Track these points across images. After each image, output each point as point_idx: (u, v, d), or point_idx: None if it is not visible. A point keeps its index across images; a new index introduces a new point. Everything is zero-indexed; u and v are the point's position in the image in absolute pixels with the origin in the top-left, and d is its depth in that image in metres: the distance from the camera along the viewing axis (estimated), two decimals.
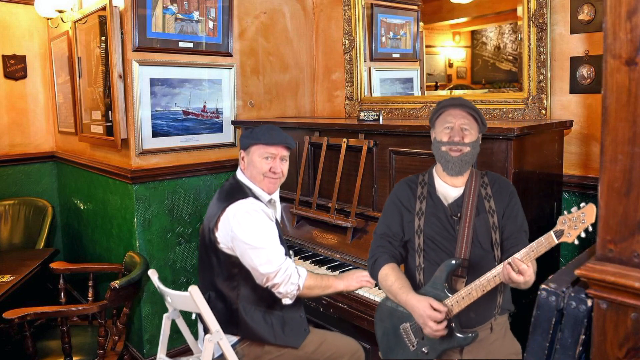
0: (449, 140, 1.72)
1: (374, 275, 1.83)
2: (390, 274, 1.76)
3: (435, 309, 1.60)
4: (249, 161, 2.07)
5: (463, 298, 1.59)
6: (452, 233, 1.74)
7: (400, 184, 1.89)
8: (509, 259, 1.49)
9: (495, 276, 1.54)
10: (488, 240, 1.72)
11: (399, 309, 1.77)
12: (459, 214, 1.73)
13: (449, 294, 1.64)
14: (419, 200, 1.80)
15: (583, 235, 1.33)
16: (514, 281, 1.49)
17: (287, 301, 1.95)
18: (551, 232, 1.39)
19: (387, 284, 1.76)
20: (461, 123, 1.72)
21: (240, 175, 2.11)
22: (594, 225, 1.58)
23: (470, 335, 1.62)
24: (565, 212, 1.36)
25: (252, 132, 2.10)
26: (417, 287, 1.76)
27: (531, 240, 1.57)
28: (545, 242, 1.43)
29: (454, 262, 1.66)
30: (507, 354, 1.75)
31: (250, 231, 1.91)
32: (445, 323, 1.61)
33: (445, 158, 1.73)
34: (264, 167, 2.03)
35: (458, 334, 1.63)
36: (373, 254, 1.86)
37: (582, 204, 1.31)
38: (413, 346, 1.72)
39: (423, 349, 1.69)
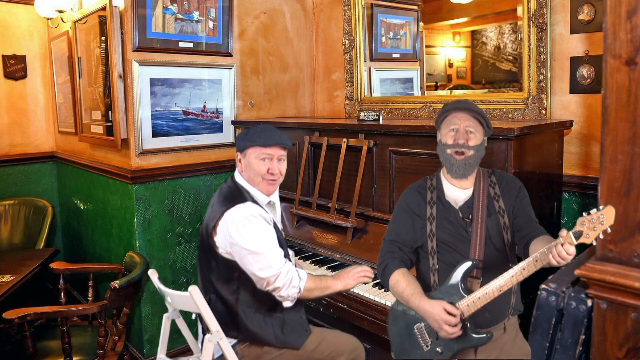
0: (453, 142, 1.72)
1: (385, 281, 1.82)
2: (401, 280, 1.75)
3: (449, 313, 1.61)
4: (246, 163, 2.05)
5: (479, 298, 1.59)
6: (464, 235, 1.74)
7: (409, 191, 1.89)
8: (561, 237, 1.44)
9: (512, 276, 1.54)
10: (500, 240, 1.73)
11: (412, 310, 1.77)
12: (470, 216, 1.74)
13: (465, 295, 1.64)
14: (429, 205, 1.80)
15: (602, 236, 1.33)
16: (568, 254, 1.44)
17: (287, 304, 1.95)
18: (570, 233, 1.39)
19: (398, 290, 1.76)
20: (466, 125, 1.72)
21: (238, 177, 2.09)
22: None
23: (485, 335, 1.63)
24: (584, 213, 1.35)
25: (247, 133, 2.06)
26: (430, 288, 1.77)
27: None
28: (565, 242, 1.42)
29: (471, 263, 1.66)
30: (518, 354, 1.75)
31: (249, 237, 1.89)
32: (460, 325, 1.62)
33: (449, 161, 1.74)
34: (262, 168, 2.01)
35: (473, 335, 1.63)
36: (382, 260, 1.84)
37: (602, 206, 1.31)
38: (427, 346, 1.72)
39: (437, 349, 1.70)
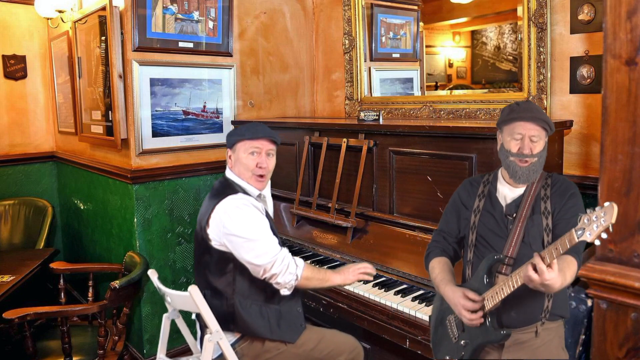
0: (518, 152, 1.70)
1: (426, 267, 1.91)
2: (435, 267, 1.83)
3: (469, 298, 1.64)
4: (235, 159, 2.08)
5: (497, 292, 1.60)
6: (505, 232, 1.74)
7: (465, 182, 1.93)
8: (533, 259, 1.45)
9: (520, 277, 1.53)
10: (539, 241, 1.70)
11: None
12: (514, 214, 1.74)
13: (486, 289, 1.66)
14: (478, 198, 1.83)
15: (604, 235, 1.31)
16: (532, 280, 1.43)
17: (285, 292, 1.94)
18: (573, 230, 1.36)
19: (432, 276, 1.84)
20: (531, 135, 1.70)
21: (229, 173, 2.11)
22: None
23: (502, 332, 1.63)
24: (588, 210, 1.34)
25: (237, 129, 2.11)
26: (465, 281, 1.80)
27: None
28: (567, 239, 1.39)
29: (494, 258, 1.67)
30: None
31: (243, 225, 1.91)
32: (480, 313, 1.63)
33: (513, 169, 1.73)
34: (251, 163, 2.03)
35: (491, 329, 1.65)
36: (428, 247, 1.93)
37: (606, 203, 1.29)
38: (455, 338, 1.75)
39: (462, 342, 1.72)
